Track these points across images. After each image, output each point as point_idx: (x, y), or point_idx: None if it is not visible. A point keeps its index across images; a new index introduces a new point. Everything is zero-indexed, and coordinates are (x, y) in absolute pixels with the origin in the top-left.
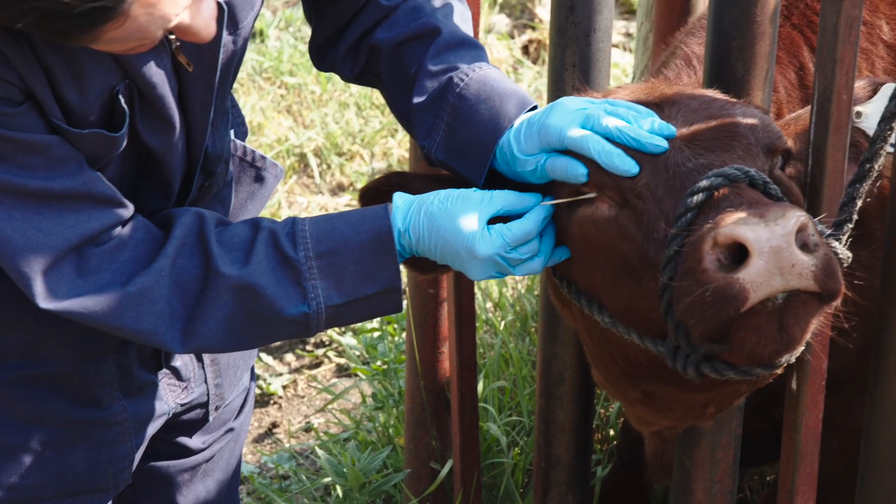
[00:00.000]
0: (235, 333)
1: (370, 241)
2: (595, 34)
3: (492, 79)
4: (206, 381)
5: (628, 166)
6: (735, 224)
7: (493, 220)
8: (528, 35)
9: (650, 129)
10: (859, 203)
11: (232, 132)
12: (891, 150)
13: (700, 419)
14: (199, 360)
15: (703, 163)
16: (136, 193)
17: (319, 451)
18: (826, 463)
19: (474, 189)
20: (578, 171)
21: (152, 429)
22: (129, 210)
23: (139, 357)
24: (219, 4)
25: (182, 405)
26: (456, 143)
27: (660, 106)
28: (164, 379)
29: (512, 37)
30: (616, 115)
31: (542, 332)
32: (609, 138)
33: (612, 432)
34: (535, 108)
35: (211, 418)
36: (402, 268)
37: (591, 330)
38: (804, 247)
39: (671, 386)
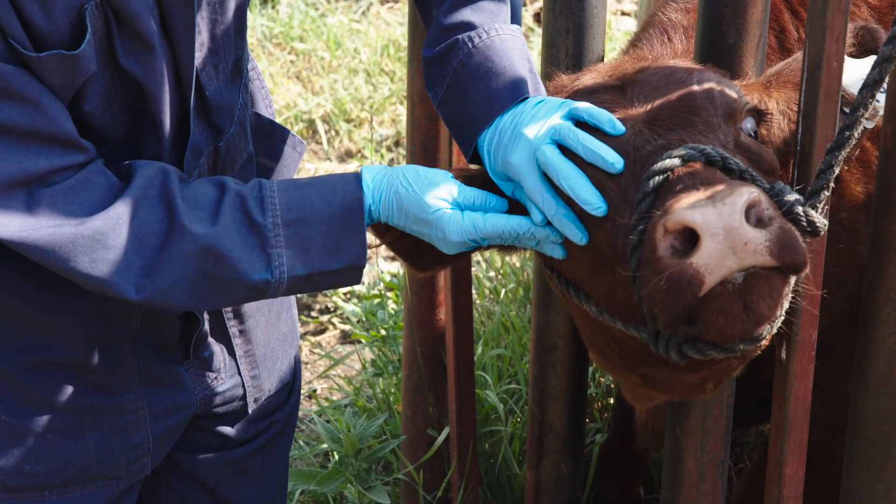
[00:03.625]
0: (191, 295)
1: (340, 213)
2: (589, 0)
3: (496, 52)
4: (239, 373)
5: (597, 202)
6: (683, 209)
7: None
8: (541, 3)
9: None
10: (836, 171)
11: (264, 108)
12: (879, 102)
13: (702, 394)
14: (231, 352)
15: (662, 143)
16: (133, 133)
17: (316, 419)
18: (811, 428)
19: (444, 173)
20: (576, 237)
21: (177, 419)
22: (85, 154)
23: (158, 345)
24: None
25: (213, 395)
26: (451, 111)
27: (622, 88)
28: (192, 369)
29: (525, 5)
30: (575, 139)
31: (535, 300)
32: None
33: (611, 401)
34: (525, 98)
35: (250, 410)
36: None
37: (584, 317)
38: (759, 222)
39: (665, 368)
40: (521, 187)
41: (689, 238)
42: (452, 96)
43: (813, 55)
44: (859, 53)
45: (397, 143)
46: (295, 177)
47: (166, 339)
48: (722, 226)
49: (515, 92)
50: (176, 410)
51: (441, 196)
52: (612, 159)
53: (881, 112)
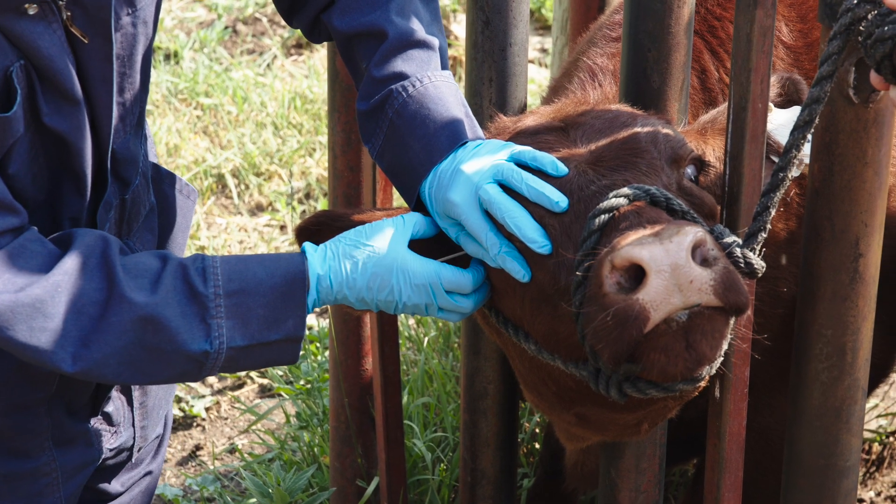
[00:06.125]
0: (128, 367)
1: (282, 285)
2: (511, 48)
3: (432, 99)
4: (133, 425)
5: (542, 240)
6: (630, 245)
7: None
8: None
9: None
10: (773, 212)
11: (152, 156)
12: (807, 160)
13: (636, 435)
14: (130, 403)
15: (607, 184)
16: (53, 192)
17: (244, 473)
18: None
19: (383, 220)
20: (519, 274)
21: (84, 476)
22: (18, 217)
23: (70, 406)
24: None
25: (111, 450)
26: (391, 162)
27: (565, 130)
28: (96, 425)
29: None
30: (519, 178)
31: (465, 347)
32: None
33: (537, 445)
34: (465, 143)
35: (133, 459)
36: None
37: (521, 356)
38: (704, 262)
39: (602, 407)
40: (464, 229)
41: (635, 275)
42: (391, 146)
43: (738, 97)
44: (784, 103)
45: (308, 196)
46: (191, 224)
47: (80, 399)
48: (668, 263)
49: (454, 137)
50: (83, 467)
51: (394, 238)
52: (557, 198)
53: (807, 161)
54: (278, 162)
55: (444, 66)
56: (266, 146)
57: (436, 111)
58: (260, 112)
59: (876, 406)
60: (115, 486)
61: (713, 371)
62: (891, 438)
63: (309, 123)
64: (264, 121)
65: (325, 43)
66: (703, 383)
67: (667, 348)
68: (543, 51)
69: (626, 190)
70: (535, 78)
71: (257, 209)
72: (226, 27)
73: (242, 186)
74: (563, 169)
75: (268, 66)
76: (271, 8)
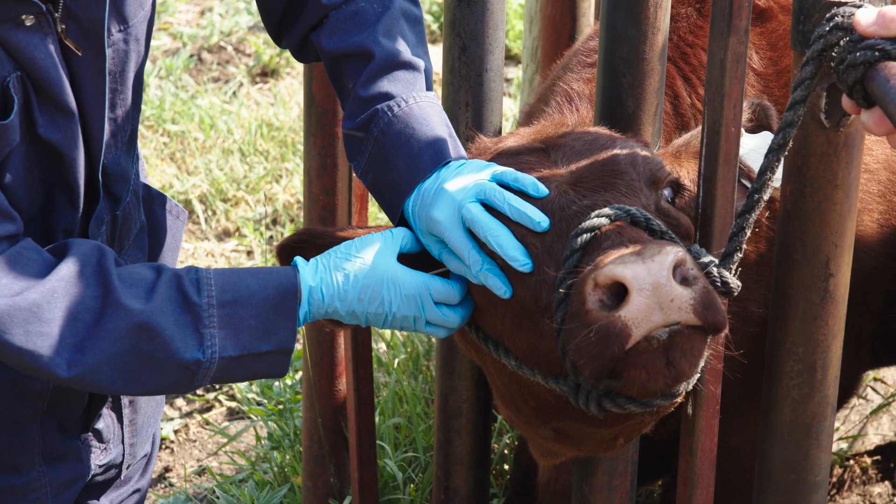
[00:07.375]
0: (122, 374)
1: (275, 297)
2: (487, 74)
3: (416, 119)
4: (122, 441)
5: (523, 258)
6: (613, 264)
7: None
8: None
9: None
10: (748, 233)
11: (143, 178)
12: (777, 184)
13: (611, 450)
14: (120, 420)
15: (588, 204)
16: (47, 204)
17: (218, 492)
18: None
19: (372, 234)
20: (500, 290)
21: (73, 493)
22: (15, 225)
23: (62, 423)
24: None
25: (100, 466)
26: (375, 180)
27: (546, 151)
28: (86, 441)
29: None
30: (501, 199)
31: (439, 367)
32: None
33: (506, 466)
34: (448, 162)
35: (122, 476)
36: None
37: (500, 372)
38: (684, 281)
39: (580, 422)
40: (447, 246)
41: (617, 293)
42: (375, 165)
43: (712, 121)
44: (754, 129)
45: (275, 222)
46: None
47: (71, 415)
48: (650, 282)
49: (438, 156)
50: (73, 483)
51: (384, 251)
52: (539, 218)
53: (778, 184)
54: (245, 188)
55: (428, 88)
56: (233, 172)
57: (420, 131)
58: (227, 139)
59: (837, 429)
60: (103, 503)
61: (690, 387)
62: (851, 461)
63: (275, 150)
64: (231, 147)
65: (300, 71)
66: (679, 399)
67: (647, 365)
68: (506, 80)
69: (607, 210)
70: None
71: (224, 235)
72: (191, 55)
73: (210, 212)
74: (543, 191)
75: (233, 93)
76: (236, 37)
